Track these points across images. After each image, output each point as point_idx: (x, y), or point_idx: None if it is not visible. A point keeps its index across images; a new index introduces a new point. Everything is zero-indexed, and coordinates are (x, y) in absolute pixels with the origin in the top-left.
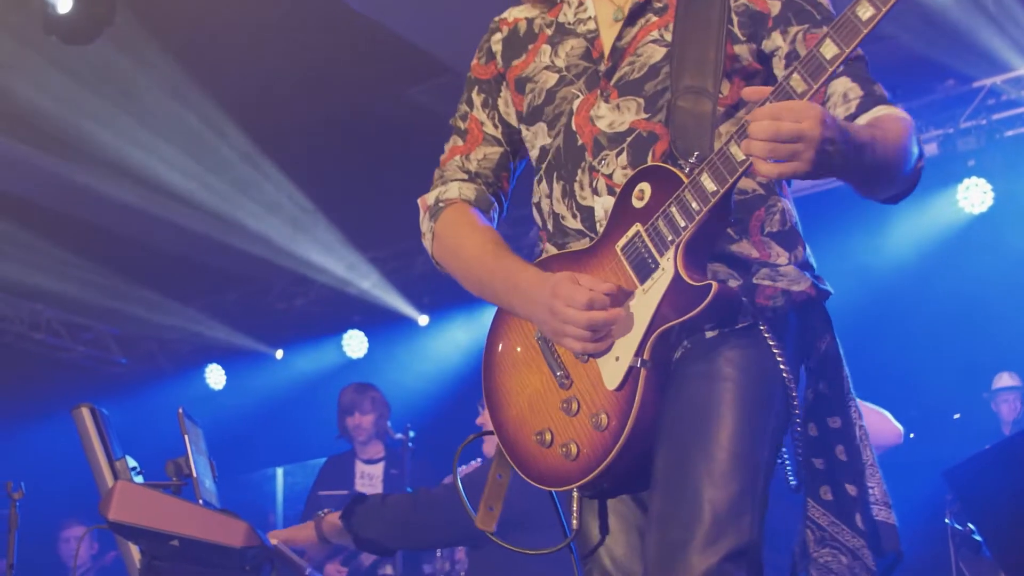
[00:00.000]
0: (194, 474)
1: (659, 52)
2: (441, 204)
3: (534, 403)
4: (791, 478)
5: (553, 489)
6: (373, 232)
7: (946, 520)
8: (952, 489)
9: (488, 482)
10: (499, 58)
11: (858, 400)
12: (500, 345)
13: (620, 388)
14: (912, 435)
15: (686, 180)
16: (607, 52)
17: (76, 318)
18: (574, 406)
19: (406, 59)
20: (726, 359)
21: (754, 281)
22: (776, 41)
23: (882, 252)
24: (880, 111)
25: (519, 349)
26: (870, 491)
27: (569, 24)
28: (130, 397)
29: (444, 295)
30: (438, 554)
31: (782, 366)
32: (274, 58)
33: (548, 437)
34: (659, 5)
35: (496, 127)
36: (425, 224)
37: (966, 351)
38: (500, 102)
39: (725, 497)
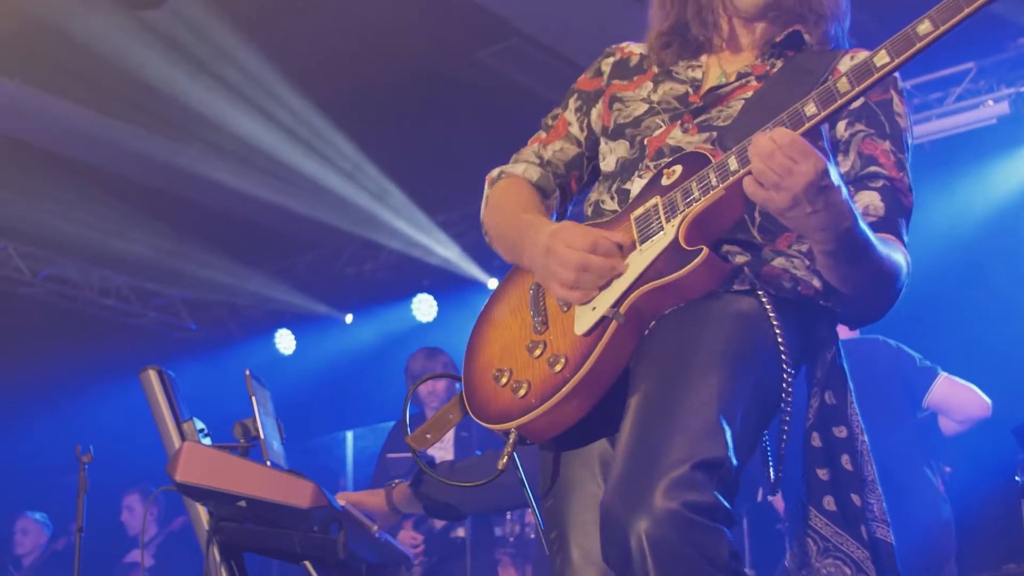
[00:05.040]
0: (261, 436)
1: None
2: (503, 176)
3: (505, 347)
4: (771, 472)
5: (494, 427)
6: (442, 196)
7: (1017, 478)
8: (1022, 446)
9: (438, 414)
10: (605, 77)
11: (946, 374)
12: (496, 301)
13: (587, 334)
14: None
15: (714, 161)
16: (703, 92)
17: (146, 284)
18: (539, 350)
19: (475, 22)
20: (715, 308)
21: (765, 261)
22: (839, 130)
23: (953, 213)
24: (889, 238)
25: (511, 302)
26: (871, 507)
27: (677, 73)
28: (200, 363)
29: None
30: (508, 517)
31: (777, 329)
32: (342, 21)
33: (504, 378)
34: (762, 74)
35: (582, 131)
36: (485, 191)
37: None
38: (593, 112)
39: (700, 421)
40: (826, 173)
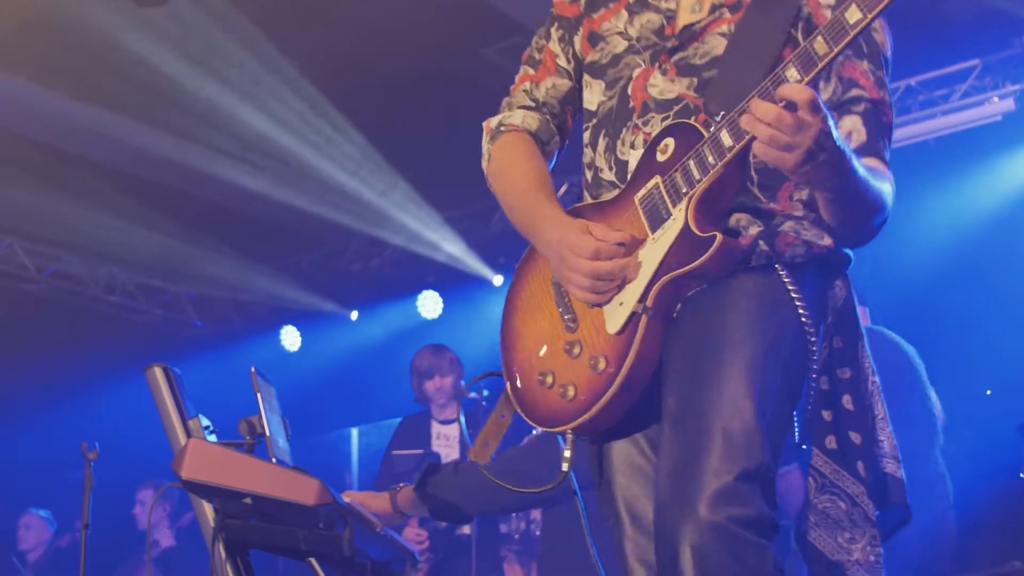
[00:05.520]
0: (267, 433)
1: (723, 45)
2: (503, 128)
3: (541, 344)
4: (795, 431)
5: (549, 430)
6: (447, 192)
7: (1022, 474)
8: None
9: (490, 420)
10: (582, 2)
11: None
12: (520, 287)
13: (620, 332)
14: (989, 391)
15: (707, 136)
16: (677, 31)
17: (152, 281)
18: (576, 349)
19: (481, 19)
20: (737, 291)
21: (777, 230)
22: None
23: (959, 209)
24: (873, 162)
25: (535, 291)
26: (880, 443)
27: None
28: (206, 360)
29: (519, 255)
30: (514, 514)
31: (798, 303)
32: (349, 17)
33: (549, 379)
34: (734, 3)
35: (569, 62)
36: (484, 145)
37: None
38: (576, 40)
39: (736, 421)
40: (827, 119)
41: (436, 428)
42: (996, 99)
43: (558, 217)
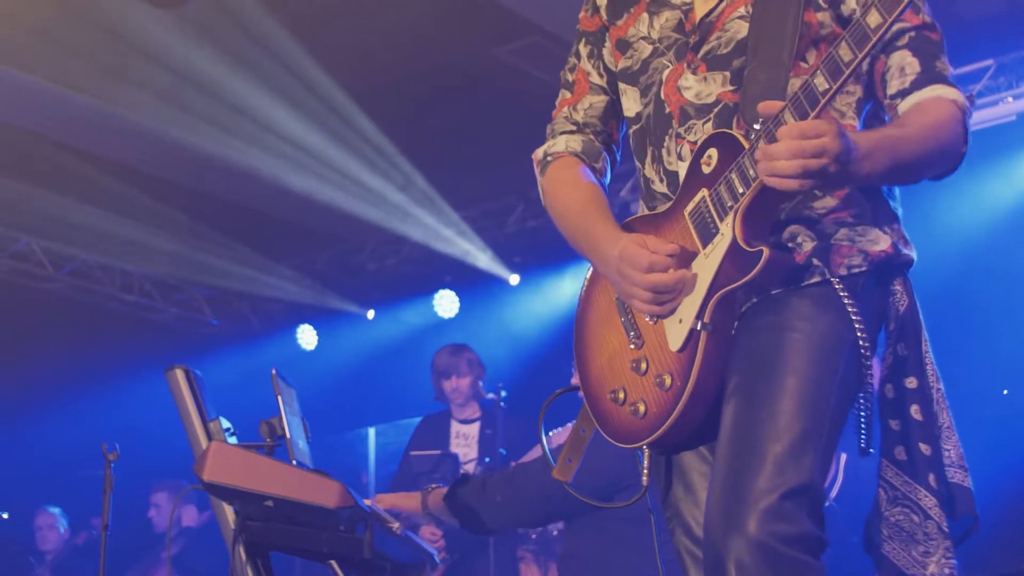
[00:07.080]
0: (287, 435)
1: (745, 28)
2: (549, 158)
3: (612, 361)
4: (861, 441)
5: (625, 446)
6: (464, 191)
7: None
8: None
9: (571, 435)
10: (603, 12)
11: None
12: (589, 303)
13: (682, 350)
14: (1006, 391)
15: (747, 147)
16: (696, 23)
17: (168, 279)
18: (643, 366)
19: (496, 19)
20: (794, 311)
21: (831, 242)
22: (851, 4)
23: (977, 208)
24: (930, 92)
25: (603, 308)
26: (945, 453)
27: None
28: (221, 358)
29: (535, 254)
30: None
31: (854, 317)
32: (366, 17)
33: (621, 395)
34: None
35: (601, 76)
36: (538, 179)
37: None
38: (605, 52)
39: (787, 439)
40: (839, 128)
41: (456, 427)
42: (1010, 99)
43: (613, 234)
